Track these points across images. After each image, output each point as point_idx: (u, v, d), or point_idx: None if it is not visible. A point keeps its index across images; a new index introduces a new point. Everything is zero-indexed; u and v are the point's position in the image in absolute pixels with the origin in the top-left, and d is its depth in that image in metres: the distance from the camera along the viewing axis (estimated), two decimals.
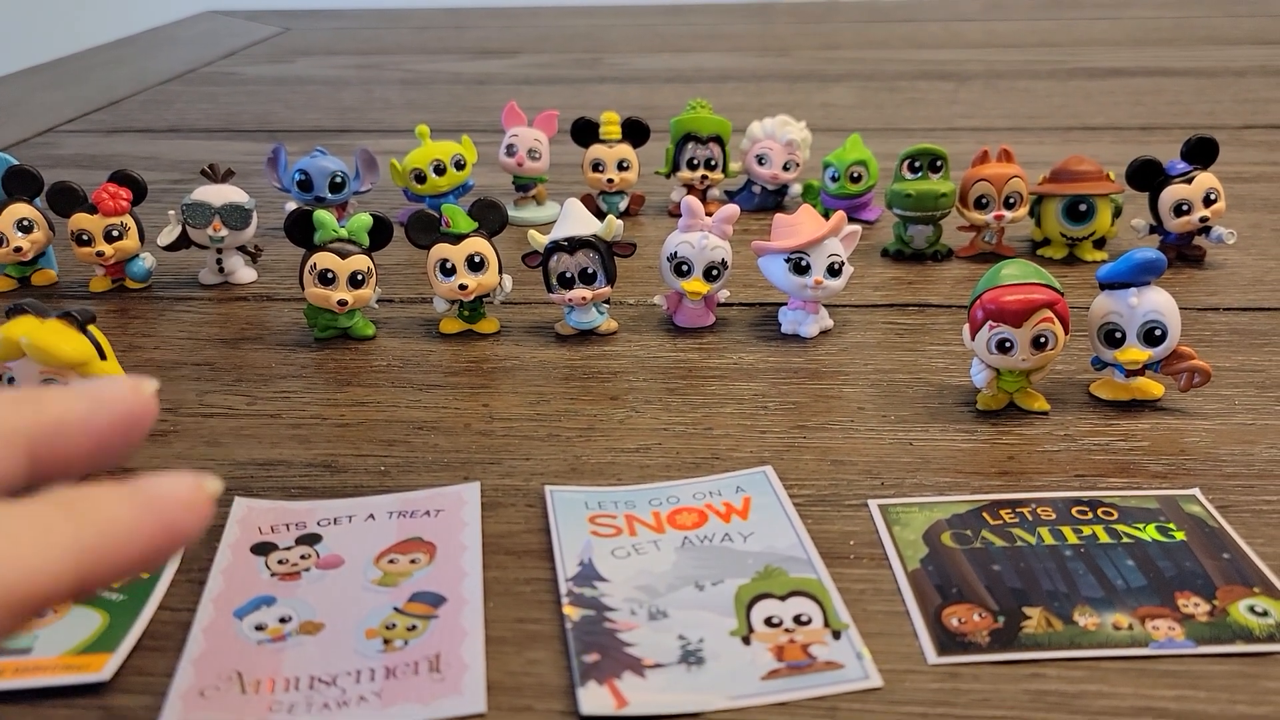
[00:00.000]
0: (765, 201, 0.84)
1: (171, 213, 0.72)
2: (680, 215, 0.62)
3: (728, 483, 0.48)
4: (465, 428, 0.54)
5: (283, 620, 0.40)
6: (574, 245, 0.60)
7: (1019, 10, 1.84)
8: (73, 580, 0.24)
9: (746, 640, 0.38)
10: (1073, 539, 0.43)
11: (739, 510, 0.45)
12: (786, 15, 1.89)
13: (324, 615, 0.40)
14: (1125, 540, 0.43)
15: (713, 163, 0.81)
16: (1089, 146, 1.00)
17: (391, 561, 0.42)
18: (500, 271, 0.63)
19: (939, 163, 0.72)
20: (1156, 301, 0.52)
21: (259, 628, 0.40)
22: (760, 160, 0.82)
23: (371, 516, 0.45)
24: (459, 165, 0.79)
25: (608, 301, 0.64)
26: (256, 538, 0.44)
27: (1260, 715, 0.35)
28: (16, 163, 0.71)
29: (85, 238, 0.68)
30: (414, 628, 0.39)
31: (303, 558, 0.43)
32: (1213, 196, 0.70)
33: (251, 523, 0.45)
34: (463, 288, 0.61)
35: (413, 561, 0.42)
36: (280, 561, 0.43)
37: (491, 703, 0.36)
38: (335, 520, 0.45)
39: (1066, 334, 0.52)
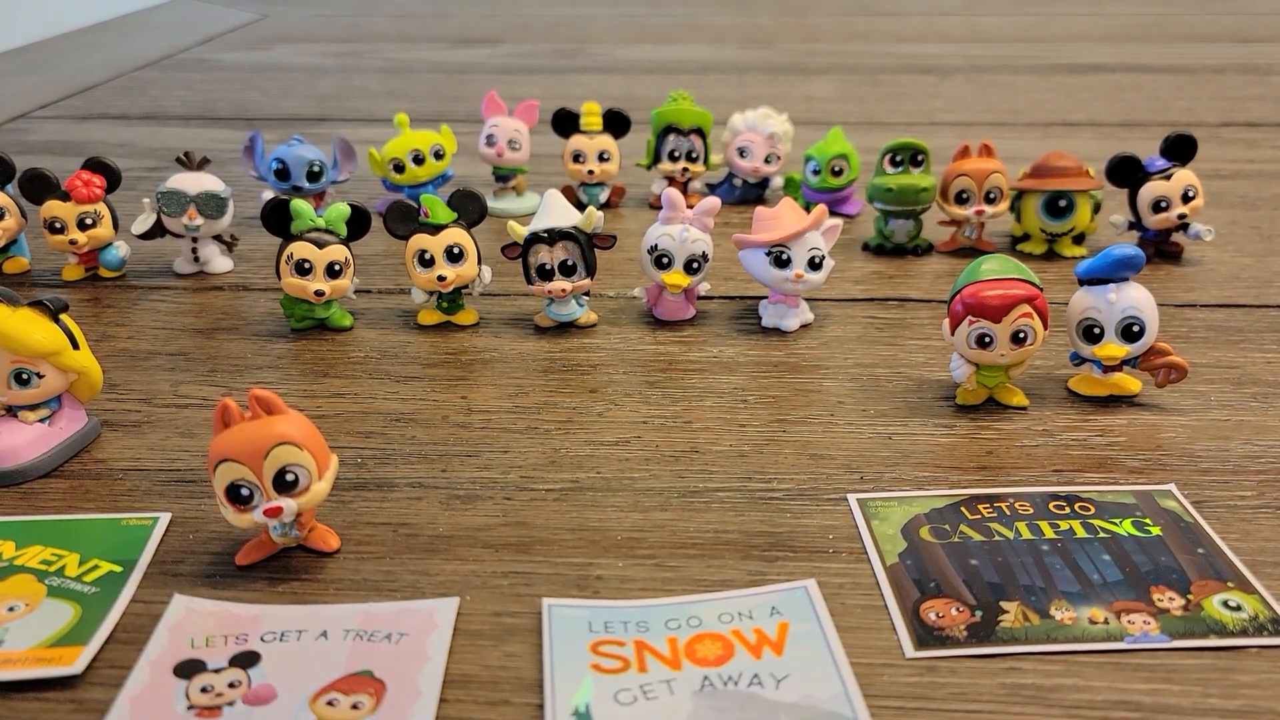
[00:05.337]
0: (746, 194, 0.84)
1: (146, 201, 0.71)
2: (661, 207, 0.62)
3: (761, 602, 0.40)
4: (443, 420, 0.53)
5: None
6: (554, 237, 0.60)
7: (1000, 5, 1.85)
8: None
9: None
10: (1050, 534, 0.44)
11: (772, 642, 0.38)
12: (769, 7, 1.89)
13: None
14: (1102, 535, 0.44)
15: (694, 155, 0.81)
16: (1069, 142, 1.00)
17: (330, 703, 0.36)
18: (479, 263, 0.62)
19: (920, 157, 0.72)
20: (1135, 298, 0.52)
21: None
22: (742, 153, 0.81)
23: (324, 634, 0.39)
24: (438, 155, 0.79)
25: (587, 294, 0.64)
26: (185, 653, 0.38)
27: (1232, 709, 0.35)
28: None
29: (58, 225, 0.67)
30: None
31: (231, 685, 0.36)
32: (1191, 193, 0.70)
33: (184, 630, 0.39)
34: (441, 279, 0.61)
35: (354, 707, 0.36)
36: (204, 689, 0.36)
37: (467, 696, 0.36)
38: (282, 636, 0.39)
39: (1045, 329, 0.52)
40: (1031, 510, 0.45)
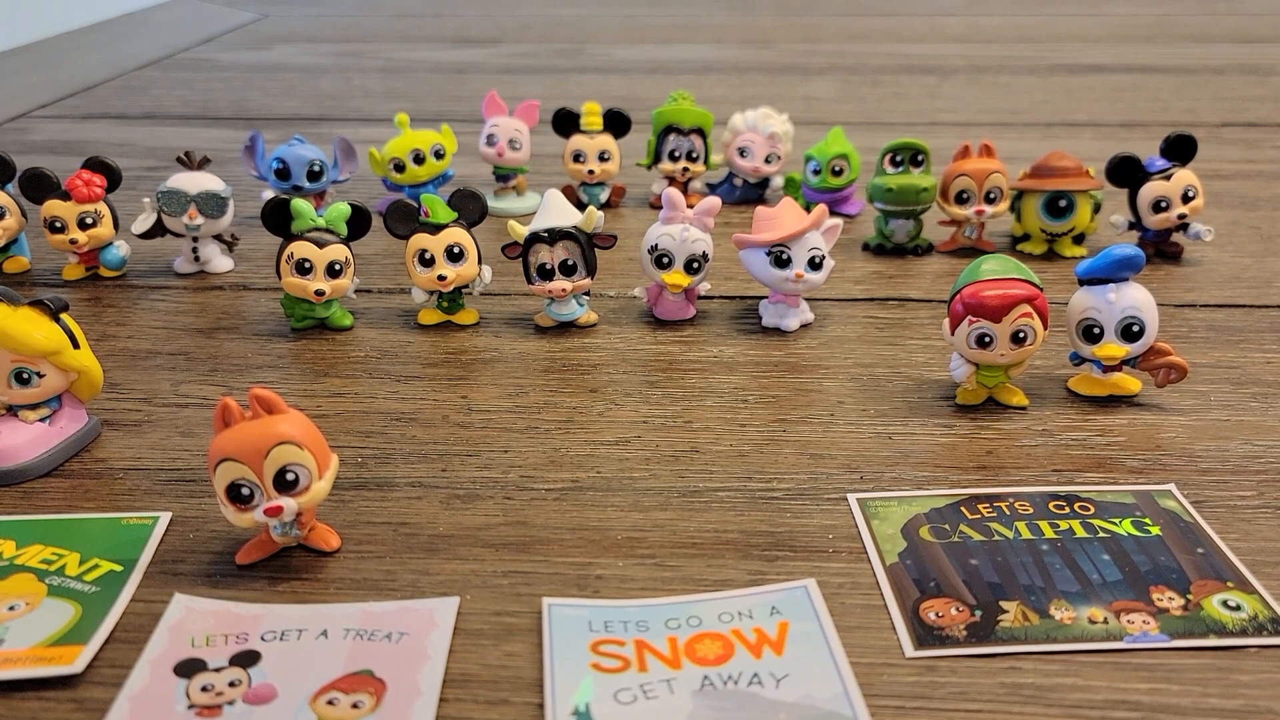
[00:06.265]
0: (747, 194, 0.84)
1: (146, 200, 0.71)
2: (661, 207, 0.62)
3: (761, 602, 0.40)
4: (443, 419, 0.53)
5: None
6: (554, 236, 0.60)
7: (1001, 5, 1.85)
8: None
9: None
10: (1049, 533, 0.44)
11: (772, 641, 0.38)
12: (769, 7, 1.89)
13: None
14: (1101, 535, 0.44)
15: (694, 155, 0.81)
16: (1069, 142, 1.00)
17: (330, 702, 0.36)
18: (479, 262, 0.62)
19: (920, 157, 0.72)
20: (1135, 297, 0.52)
21: None
22: (742, 153, 0.81)
23: (324, 634, 0.39)
24: (438, 155, 0.79)
25: (587, 293, 0.64)
26: (185, 652, 0.38)
27: (1232, 708, 0.35)
28: None
29: (58, 225, 0.67)
30: None
31: (231, 685, 0.36)
32: (1191, 193, 0.70)
33: (185, 630, 0.39)
34: (441, 278, 0.61)
35: (355, 706, 0.35)
36: (204, 689, 0.36)
37: (467, 695, 0.36)
38: (282, 635, 0.39)
39: (1045, 329, 0.52)
40: (1031, 510, 0.45)
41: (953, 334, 0.52)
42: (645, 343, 0.62)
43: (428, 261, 0.61)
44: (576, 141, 0.80)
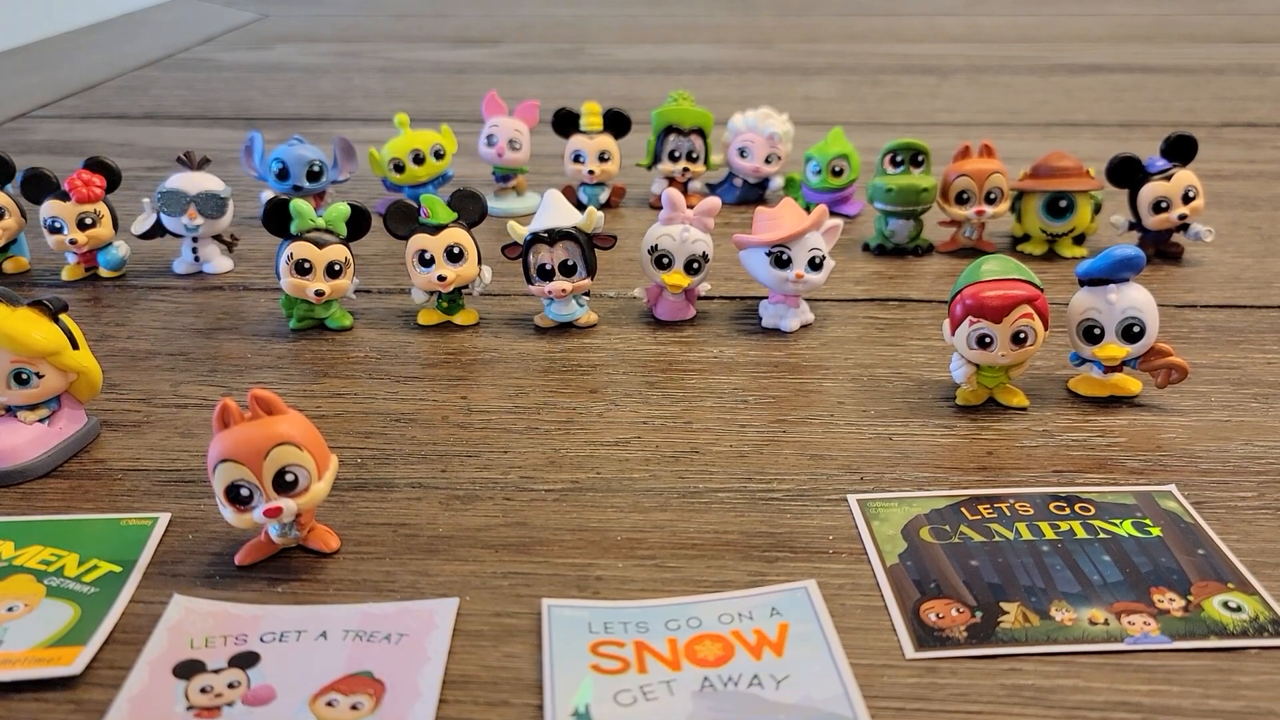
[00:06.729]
0: (747, 194, 0.84)
1: (146, 200, 0.71)
2: (661, 207, 0.62)
3: (761, 603, 0.40)
4: (443, 420, 0.53)
5: None
6: (554, 237, 0.60)
7: (1001, 5, 1.85)
8: None
9: None
10: (1050, 534, 0.44)
11: (772, 642, 0.38)
12: (769, 7, 1.89)
13: None
14: (1102, 536, 0.43)
15: (694, 155, 0.81)
16: (1070, 142, 1.00)
17: (329, 704, 0.36)
18: (479, 263, 0.62)
19: (920, 157, 0.72)
20: (1135, 298, 0.52)
21: None
22: (742, 153, 0.81)
23: (324, 635, 0.39)
24: (438, 155, 0.79)
25: (587, 294, 0.64)
26: (184, 653, 0.38)
27: (1233, 710, 0.35)
28: None
29: (58, 225, 0.67)
30: None
31: (230, 686, 0.36)
32: (1191, 194, 0.70)
33: (184, 630, 0.39)
34: (441, 279, 0.61)
35: (354, 707, 0.36)
36: (203, 690, 0.36)
37: (466, 696, 0.36)
38: (281, 636, 0.39)
39: (1046, 330, 0.52)
40: (1032, 511, 0.45)
41: (953, 335, 0.52)
42: (645, 343, 0.62)
43: (427, 262, 0.61)
44: (576, 142, 0.80)
